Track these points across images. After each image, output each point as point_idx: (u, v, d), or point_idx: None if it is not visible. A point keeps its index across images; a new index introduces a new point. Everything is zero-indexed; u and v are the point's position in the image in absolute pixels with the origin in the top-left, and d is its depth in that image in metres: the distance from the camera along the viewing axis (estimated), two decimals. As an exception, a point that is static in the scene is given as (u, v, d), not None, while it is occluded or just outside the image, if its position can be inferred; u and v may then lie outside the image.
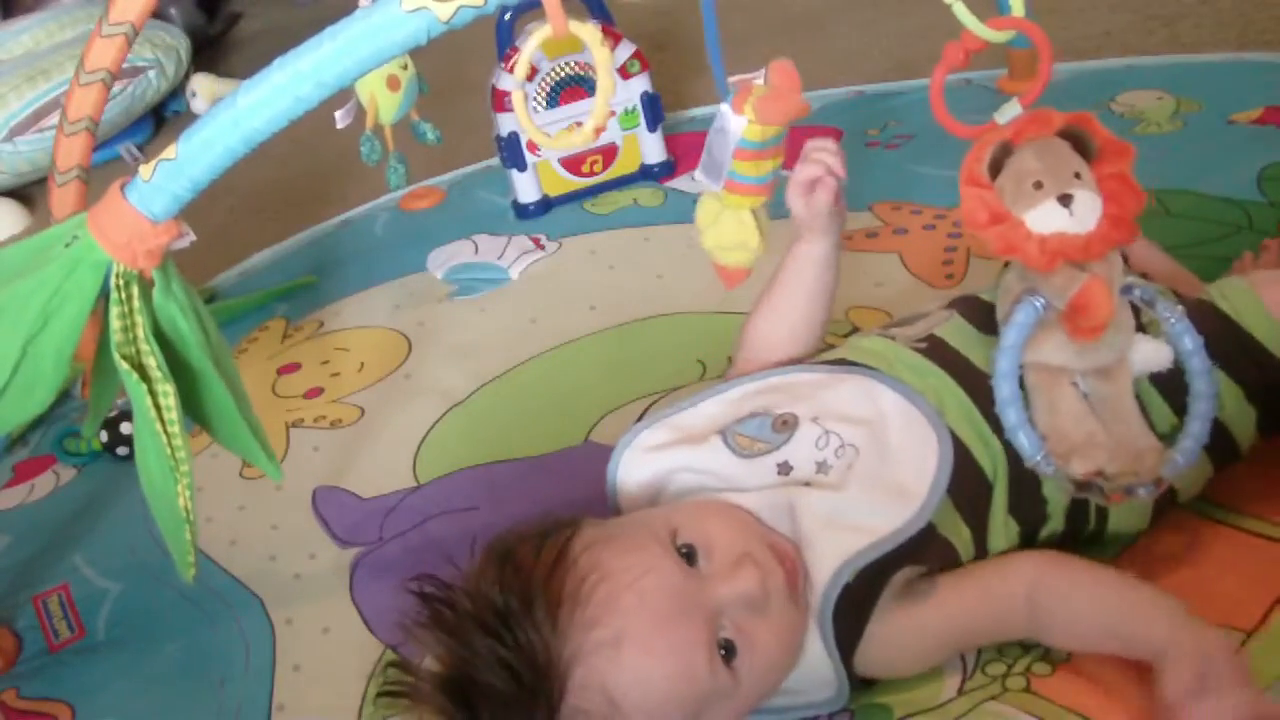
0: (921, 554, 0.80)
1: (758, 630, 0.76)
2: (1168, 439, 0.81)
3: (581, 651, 0.72)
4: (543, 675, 0.72)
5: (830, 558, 0.78)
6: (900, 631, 0.79)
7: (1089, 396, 0.81)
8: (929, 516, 0.79)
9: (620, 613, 0.73)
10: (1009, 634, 0.79)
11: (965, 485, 0.81)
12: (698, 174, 0.87)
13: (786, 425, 0.84)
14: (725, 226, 0.87)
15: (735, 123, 0.82)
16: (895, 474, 0.80)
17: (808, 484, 0.82)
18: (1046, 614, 0.77)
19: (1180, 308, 0.81)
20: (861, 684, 0.81)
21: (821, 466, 0.82)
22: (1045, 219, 0.76)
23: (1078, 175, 0.77)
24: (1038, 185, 0.77)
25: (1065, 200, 0.76)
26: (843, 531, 0.79)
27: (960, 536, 0.81)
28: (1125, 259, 0.88)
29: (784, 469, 0.83)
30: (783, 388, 0.88)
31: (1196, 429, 0.80)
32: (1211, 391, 0.80)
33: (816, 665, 0.79)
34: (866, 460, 0.81)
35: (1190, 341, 0.81)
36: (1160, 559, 0.86)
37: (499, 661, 0.72)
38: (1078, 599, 0.77)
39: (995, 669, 0.81)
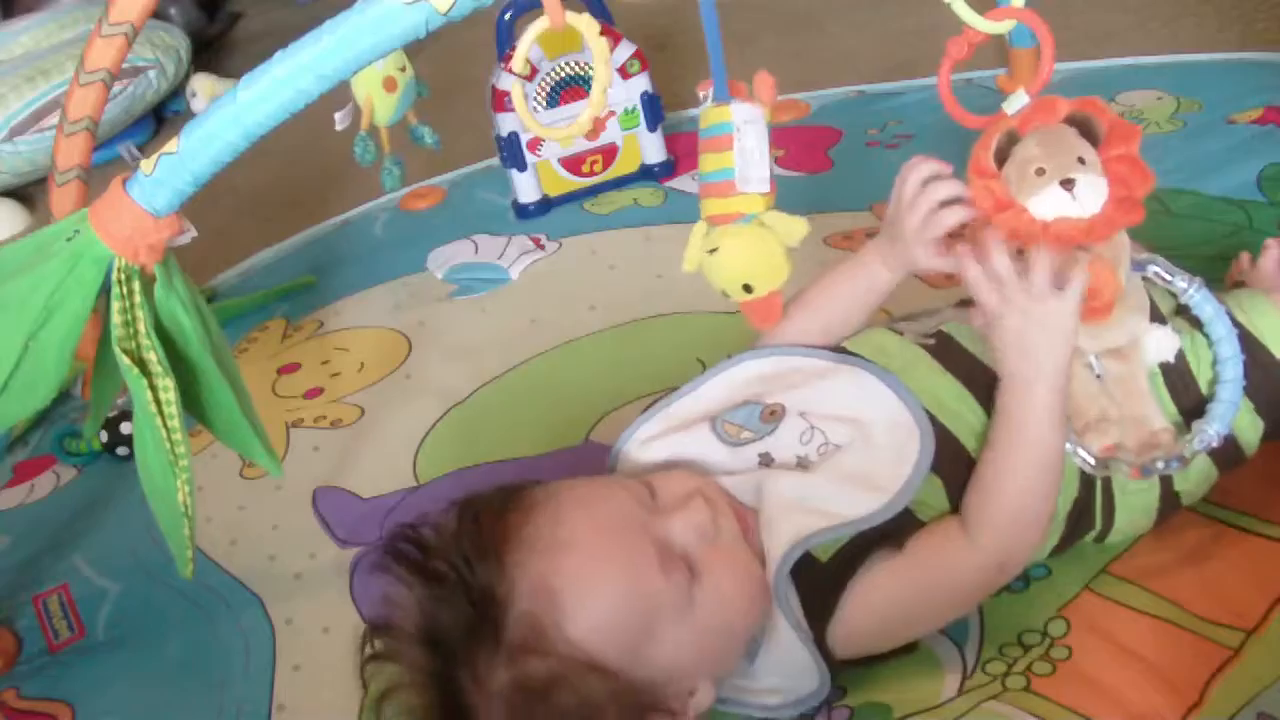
0: (903, 541, 0.80)
1: (711, 558, 0.78)
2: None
3: (528, 558, 0.74)
4: (492, 579, 0.74)
5: (786, 535, 0.79)
6: (862, 598, 0.78)
7: (1102, 376, 0.82)
8: (898, 509, 0.78)
9: (568, 523, 0.76)
10: (956, 564, 0.79)
11: (959, 479, 0.81)
12: (741, 185, 0.80)
13: (774, 416, 0.85)
14: (752, 247, 0.81)
15: (755, 113, 0.81)
16: (872, 469, 0.81)
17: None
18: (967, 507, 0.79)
19: (1198, 278, 0.82)
20: (843, 667, 0.81)
21: (802, 461, 0.83)
22: (1048, 204, 0.77)
23: (1081, 160, 0.78)
24: (1040, 171, 0.77)
25: (1067, 185, 0.77)
26: (805, 514, 0.79)
27: None
28: None
29: (765, 460, 0.84)
30: (779, 375, 0.88)
31: (1227, 394, 0.81)
32: (1238, 355, 0.81)
33: (791, 650, 0.79)
34: (846, 456, 0.82)
35: (1211, 308, 0.82)
36: (1163, 559, 0.86)
37: (454, 577, 0.74)
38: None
39: (995, 668, 0.81)
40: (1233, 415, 0.81)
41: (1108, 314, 0.79)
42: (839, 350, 0.89)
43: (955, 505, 0.81)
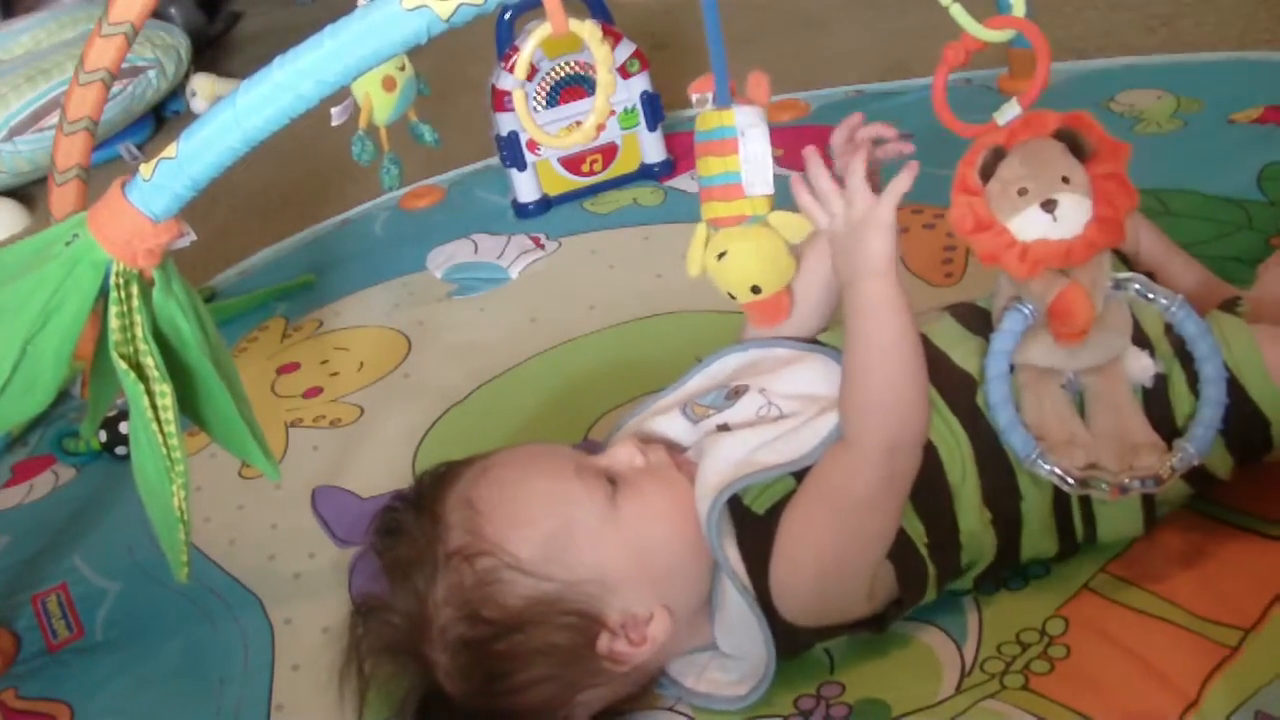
0: None
1: (636, 475, 0.84)
2: None
3: (461, 483, 0.83)
4: (434, 507, 0.82)
5: (713, 483, 0.82)
6: (786, 530, 0.80)
7: (1085, 393, 0.81)
8: (817, 457, 0.80)
9: (497, 454, 0.86)
10: (846, 470, 0.79)
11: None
12: (751, 190, 0.79)
13: (737, 394, 0.88)
14: (760, 249, 0.81)
15: (757, 115, 0.80)
16: (812, 432, 0.82)
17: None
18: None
19: (1180, 296, 0.81)
20: (802, 638, 0.82)
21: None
22: (1029, 225, 0.76)
23: (1066, 179, 0.77)
24: (1022, 191, 0.76)
25: (1049, 206, 0.76)
26: (734, 467, 0.82)
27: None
28: (1152, 277, 0.88)
29: (723, 430, 0.86)
30: (752, 364, 0.91)
31: (1208, 415, 0.80)
32: (1221, 375, 0.80)
33: (739, 610, 0.81)
34: (788, 421, 0.84)
35: (1194, 327, 0.81)
36: (1161, 558, 0.86)
37: (408, 518, 0.83)
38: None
39: (994, 666, 0.82)
40: (1213, 435, 0.80)
41: (1081, 338, 0.78)
42: (811, 341, 0.91)
43: (915, 495, 0.82)
